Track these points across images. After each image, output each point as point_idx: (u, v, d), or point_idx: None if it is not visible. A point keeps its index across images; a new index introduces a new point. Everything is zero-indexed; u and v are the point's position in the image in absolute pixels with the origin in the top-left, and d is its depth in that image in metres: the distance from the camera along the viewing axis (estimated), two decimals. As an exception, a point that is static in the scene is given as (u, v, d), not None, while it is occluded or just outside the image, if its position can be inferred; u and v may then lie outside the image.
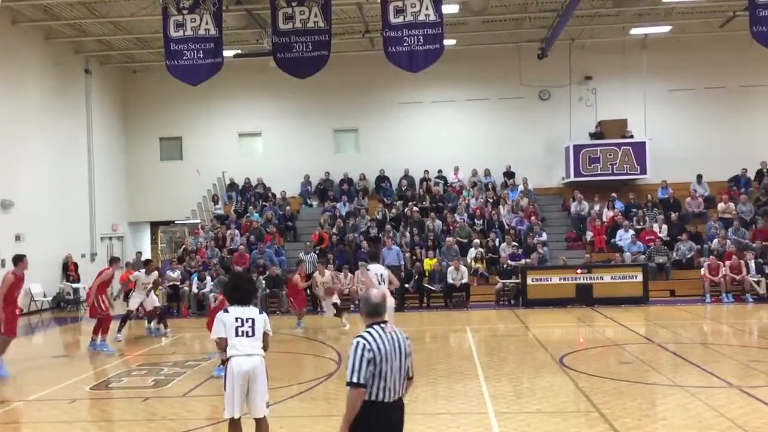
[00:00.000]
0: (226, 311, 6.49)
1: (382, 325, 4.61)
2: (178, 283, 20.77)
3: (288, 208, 25.58)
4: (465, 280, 20.11)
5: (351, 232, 23.10)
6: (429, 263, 21.08)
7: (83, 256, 24.66)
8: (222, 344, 6.47)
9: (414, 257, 21.76)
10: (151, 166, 28.44)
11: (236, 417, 6.38)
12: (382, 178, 26.71)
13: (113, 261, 15.43)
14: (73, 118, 24.84)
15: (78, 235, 24.69)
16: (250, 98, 27.88)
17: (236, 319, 6.40)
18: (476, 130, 27.14)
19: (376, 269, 13.05)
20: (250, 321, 6.43)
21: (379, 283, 12.49)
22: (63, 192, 23.78)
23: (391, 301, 11.92)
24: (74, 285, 22.83)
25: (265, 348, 6.51)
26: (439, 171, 26.67)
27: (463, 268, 20.29)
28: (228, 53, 20.74)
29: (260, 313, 6.58)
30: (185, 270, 21.27)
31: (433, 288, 20.29)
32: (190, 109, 27.66)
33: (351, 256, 21.69)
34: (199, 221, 25.85)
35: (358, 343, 4.47)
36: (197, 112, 27.84)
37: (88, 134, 25.62)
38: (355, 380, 4.38)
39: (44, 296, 22.12)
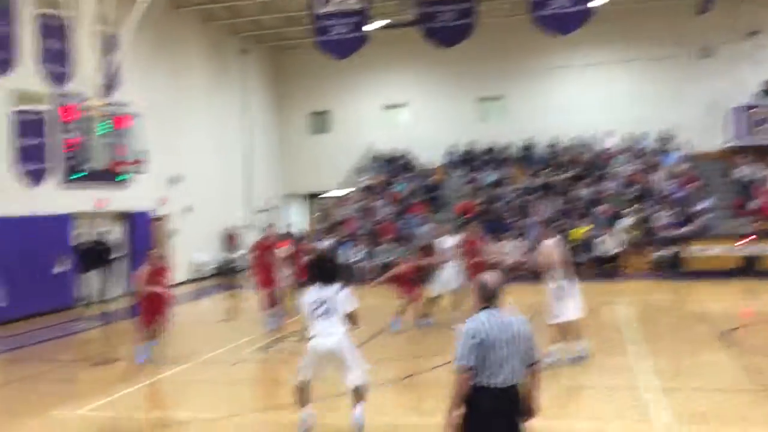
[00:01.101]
0: (308, 292, 6.90)
1: (496, 309, 4.50)
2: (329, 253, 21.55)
3: (432, 178, 25.69)
4: (617, 250, 19.36)
5: (496, 202, 22.86)
6: (578, 233, 20.48)
7: (241, 227, 26.15)
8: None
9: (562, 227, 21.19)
10: (302, 140, 29.55)
11: (305, 383, 6.88)
12: (528, 146, 26.14)
13: (284, 237, 15.92)
14: (232, 97, 26.25)
15: (237, 207, 26.22)
16: (396, 70, 28.12)
17: (313, 302, 6.77)
18: (629, 93, 25.82)
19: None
20: (326, 302, 6.73)
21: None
22: (224, 167, 25.29)
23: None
24: (234, 255, 24.27)
25: (354, 323, 6.85)
26: (589, 137, 25.70)
27: (615, 238, 19.52)
28: (372, 25, 20.94)
29: (340, 291, 6.80)
30: (335, 240, 22.02)
31: (582, 259, 19.69)
32: (338, 83, 28.34)
33: (496, 227, 21.48)
34: (348, 192, 26.57)
35: (466, 326, 4.43)
36: (344, 85, 28.48)
37: (244, 112, 27.01)
38: (462, 364, 4.34)
39: (208, 265, 23.74)
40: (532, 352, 4.50)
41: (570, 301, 9.37)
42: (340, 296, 6.81)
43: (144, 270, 10.52)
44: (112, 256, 18.72)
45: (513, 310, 4.61)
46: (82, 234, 18.24)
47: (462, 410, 4.37)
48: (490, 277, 4.66)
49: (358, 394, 6.88)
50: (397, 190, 24.91)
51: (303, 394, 6.96)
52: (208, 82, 24.76)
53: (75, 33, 14.70)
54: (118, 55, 15.79)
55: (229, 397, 8.91)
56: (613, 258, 19.36)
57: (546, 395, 8.01)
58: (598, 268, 19.47)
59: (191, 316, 16.00)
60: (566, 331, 9.42)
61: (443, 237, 13.85)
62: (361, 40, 16.60)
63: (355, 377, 6.83)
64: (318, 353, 6.78)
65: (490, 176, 25.00)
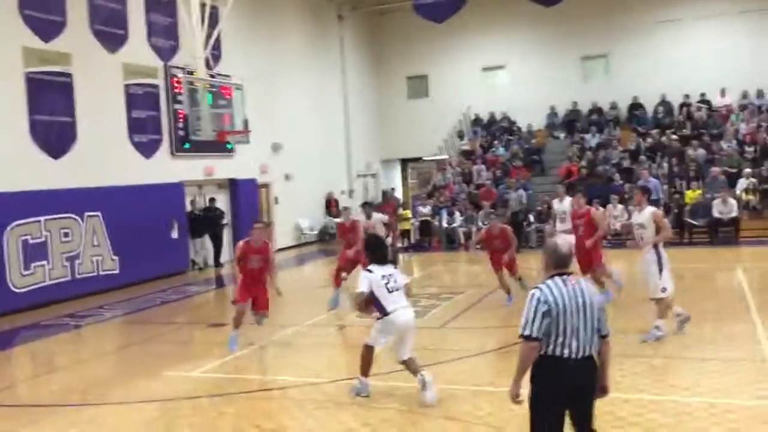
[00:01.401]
0: (370, 271, 7.03)
1: (565, 277, 4.27)
2: (429, 218, 21.52)
3: (534, 141, 25.06)
4: (734, 214, 18.32)
5: (602, 165, 22.07)
6: (691, 196, 19.51)
7: (342, 192, 26.48)
8: (360, 299, 7.02)
9: (673, 190, 20.25)
10: (399, 105, 29.45)
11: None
12: (635, 106, 25.02)
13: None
14: (329, 64, 26.41)
15: (337, 173, 26.54)
16: (495, 31, 27.42)
17: (382, 277, 6.99)
18: (745, 46, 24.13)
19: None
20: (393, 276, 7.07)
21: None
22: (323, 133, 25.58)
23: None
24: (336, 220, 24.62)
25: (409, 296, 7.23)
26: (702, 94, 24.28)
27: (732, 201, 18.47)
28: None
29: (395, 268, 7.29)
30: (435, 205, 21.94)
31: (696, 223, 18.79)
32: (435, 46, 27.95)
33: (602, 191, 20.75)
34: (446, 157, 26.36)
35: (533, 294, 4.21)
36: (441, 49, 28.05)
37: (342, 76, 27.15)
38: (527, 333, 4.14)
39: (311, 230, 24.23)
40: (602, 323, 4.29)
41: (668, 273, 8.86)
42: (398, 271, 7.26)
43: (241, 246, 9.63)
44: (222, 222, 19.40)
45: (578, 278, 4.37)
46: (194, 201, 18.98)
47: (528, 380, 4.25)
48: (561, 241, 4.45)
49: (415, 365, 7.09)
50: (496, 154, 24.47)
51: (370, 362, 7.22)
52: (306, 49, 24.97)
53: (180, 7, 15.08)
54: (220, 26, 16.11)
55: (332, 361, 9.07)
56: (730, 223, 18.34)
57: (657, 370, 7.77)
58: (713, 234, 18.52)
59: (295, 282, 16.38)
60: (668, 305, 8.93)
61: (558, 199, 13.25)
62: (460, 2, 16.29)
63: (410, 350, 7.14)
64: (398, 326, 7.01)
65: (594, 138, 24.13)
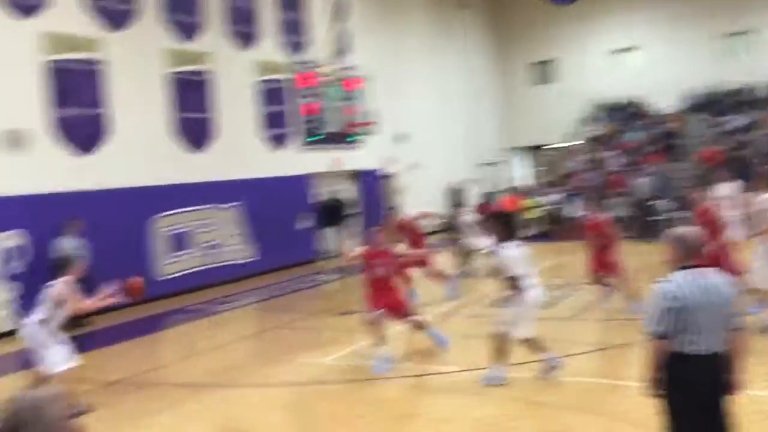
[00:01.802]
0: (508, 247, 6.92)
1: (695, 269, 3.94)
2: (557, 207, 21.02)
3: (669, 125, 23.84)
4: None
5: (745, 149, 20.68)
6: None
7: (467, 182, 26.32)
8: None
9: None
10: (524, 91, 28.89)
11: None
12: (782, 85, 23.23)
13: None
14: (453, 53, 26.29)
15: (460, 162, 26.42)
16: (623, 12, 26.30)
17: (520, 254, 6.96)
18: None
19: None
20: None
21: None
22: (447, 122, 25.53)
23: None
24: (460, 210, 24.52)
25: None
26: None
27: None
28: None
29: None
30: (563, 194, 21.39)
31: None
32: (561, 31, 27.17)
33: (745, 176, 19.44)
34: (574, 144, 25.59)
35: (660, 287, 3.92)
36: (568, 33, 27.23)
37: (466, 66, 26.95)
38: (652, 329, 3.89)
39: (435, 220, 24.25)
40: (734, 317, 3.96)
41: None
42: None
43: (362, 250, 8.84)
44: (347, 212, 19.83)
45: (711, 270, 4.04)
46: (321, 193, 19.51)
47: (660, 378, 4.00)
48: (690, 231, 4.12)
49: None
50: (628, 140, 23.49)
51: (505, 350, 7.10)
52: (430, 39, 24.97)
53: (309, 3, 15.51)
54: (348, 21, 16.45)
55: (466, 351, 9.06)
56: None
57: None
58: None
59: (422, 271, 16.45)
60: None
61: (718, 185, 12.28)
62: (589, -18, 15.69)
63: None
64: (537, 306, 7.01)
65: (737, 120, 22.63)
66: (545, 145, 28.12)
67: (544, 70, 28.74)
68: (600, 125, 25.77)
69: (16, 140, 12.22)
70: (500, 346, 7.11)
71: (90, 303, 7.63)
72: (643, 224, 18.31)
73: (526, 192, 23.15)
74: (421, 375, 8.05)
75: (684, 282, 3.92)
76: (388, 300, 8.32)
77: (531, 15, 27.22)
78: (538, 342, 7.08)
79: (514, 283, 6.91)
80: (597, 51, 27.17)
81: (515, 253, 6.93)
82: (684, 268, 4.00)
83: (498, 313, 7.28)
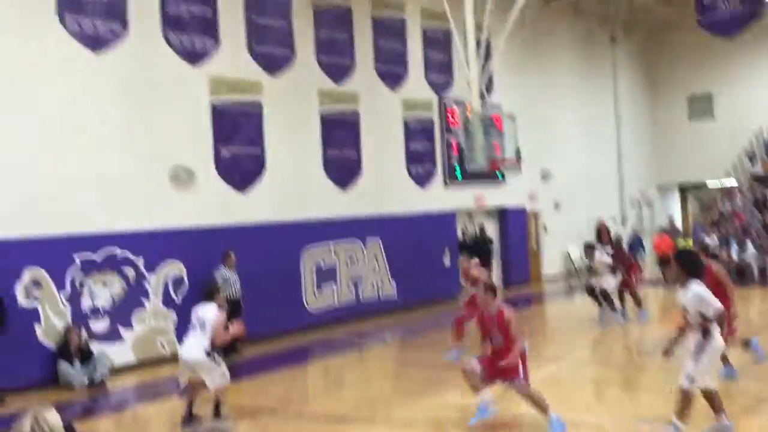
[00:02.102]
0: (701, 284, 6.40)
1: None
2: (714, 250, 19.73)
3: None
4: None
5: None
6: None
7: (614, 220, 25.36)
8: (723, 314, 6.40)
9: None
10: (678, 127, 27.56)
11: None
12: None
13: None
14: (600, 87, 25.61)
15: (608, 199, 25.52)
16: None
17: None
18: None
19: None
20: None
21: None
22: (593, 159, 24.80)
23: None
24: (607, 248, 23.59)
25: None
26: None
27: None
28: (766, -5, 18.59)
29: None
30: (721, 235, 20.08)
31: None
32: (720, 63, 25.76)
33: None
34: (734, 182, 24.02)
35: None
36: (728, 65, 25.77)
37: (614, 101, 26.14)
38: None
39: (581, 259, 23.50)
40: None
41: None
42: None
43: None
44: (491, 249, 19.67)
45: None
46: (466, 229, 19.51)
47: None
48: None
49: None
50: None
51: (718, 400, 6.51)
52: (577, 75, 24.49)
53: (455, 42, 15.72)
54: (494, 59, 16.49)
55: (606, 398, 8.63)
56: None
57: None
58: None
59: (563, 312, 15.98)
60: None
61: None
62: (754, 15, 14.85)
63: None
64: (719, 349, 6.46)
65: None
66: (698, 184, 26.58)
67: (701, 105, 27.31)
68: (765, 162, 24.03)
69: (185, 176, 13.16)
70: (686, 399, 6.50)
71: (231, 331, 8.18)
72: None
73: (680, 233, 21.94)
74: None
75: None
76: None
77: (686, 48, 26.05)
78: (718, 398, 6.53)
79: (706, 324, 6.37)
80: (759, 85, 25.49)
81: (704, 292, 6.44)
82: None
83: (686, 363, 6.57)
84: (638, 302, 13.86)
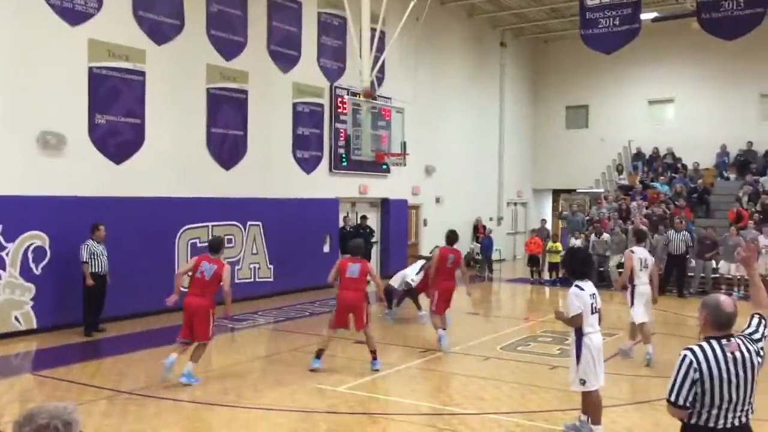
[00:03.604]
0: (581, 288, 6.71)
1: (724, 341, 3.73)
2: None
3: (700, 181, 23.64)
4: None
5: (777, 211, 20.39)
6: None
7: (491, 219, 26.26)
8: (578, 321, 6.67)
9: None
10: (556, 135, 28.88)
11: (597, 387, 6.83)
12: (819, 150, 22.96)
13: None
14: (488, 89, 26.41)
15: (487, 199, 26.38)
16: (663, 63, 26.22)
17: (591, 296, 6.72)
18: None
19: (641, 253, 10.74)
20: (596, 296, 6.81)
21: (640, 270, 10.52)
22: (476, 158, 25.56)
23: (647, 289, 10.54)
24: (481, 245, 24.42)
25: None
26: None
27: None
28: (644, 17, 19.75)
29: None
30: (585, 240, 21.19)
31: None
32: (598, 76, 27.20)
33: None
34: (602, 191, 25.47)
35: (685, 356, 3.73)
36: (605, 79, 27.25)
37: (500, 103, 27.04)
38: (673, 399, 3.73)
39: (457, 255, 24.17)
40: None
41: None
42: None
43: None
44: (372, 240, 19.82)
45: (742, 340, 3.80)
46: (346, 218, 19.54)
47: None
48: (724, 298, 3.85)
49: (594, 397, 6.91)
50: (659, 191, 23.31)
51: (599, 405, 6.89)
52: (466, 75, 25.11)
53: (350, 31, 15.69)
54: (386, 51, 16.58)
55: (476, 393, 8.94)
56: None
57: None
58: None
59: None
60: None
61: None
62: (633, 32, 15.73)
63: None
64: (597, 348, 6.76)
65: (769, 182, 22.38)
66: (571, 190, 28.00)
67: (578, 115, 28.75)
68: (631, 174, 25.62)
69: (55, 142, 12.40)
70: (593, 402, 6.92)
71: None
72: (680, 275, 18.25)
73: (551, 235, 23.00)
74: (427, 414, 7.95)
75: (711, 354, 3.72)
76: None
77: (569, 58, 27.31)
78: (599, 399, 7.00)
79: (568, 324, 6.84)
80: (634, 100, 27.15)
81: (587, 295, 6.78)
82: (714, 338, 3.79)
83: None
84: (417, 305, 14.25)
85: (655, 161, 25.62)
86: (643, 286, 10.47)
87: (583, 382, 6.75)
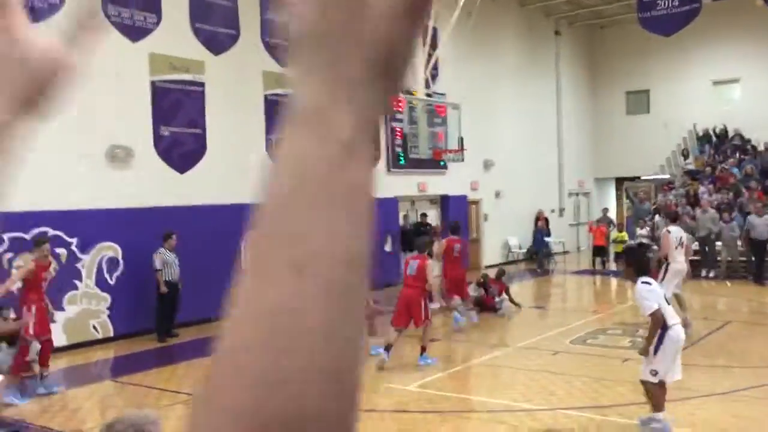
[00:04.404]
0: (648, 283, 6.59)
1: None
2: (647, 241, 20.32)
3: (771, 161, 22.78)
4: None
5: None
6: None
7: (552, 211, 25.88)
8: (660, 316, 6.46)
9: None
10: (616, 121, 28.26)
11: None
12: None
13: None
14: (544, 79, 26.02)
15: (548, 190, 26.01)
16: (727, 42, 25.36)
17: (661, 290, 6.70)
18: None
19: (676, 232, 11.09)
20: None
21: (675, 248, 10.74)
22: (535, 150, 25.22)
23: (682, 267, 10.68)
24: (546, 239, 24.09)
25: None
26: None
27: None
28: (704, -4, 19.17)
29: None
30: (650, 230, 20.68)
31: None
32: (658, 60, 26.46)
33: None
34: (667, 176, 24.80)
35: None
36: (666, 62, 26.50)
37: (557, 93, 26.62)
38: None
39: (519, 248, 23.95)
40: None
41: None
42: None
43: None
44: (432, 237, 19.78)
45: None
46: (407, 216, 19.59)
47: None
48: None
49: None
50: (730, 172, 22.53)
51: (663, 394, 6.71)
52: (521, 67, 24.80)
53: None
54: (440, 47, 16.53)
55: (547, 388, 8.84)
56: None
57: None
58: None
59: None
60: None
61: None
62: (691, 13, 15.30)
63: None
64: (681, 341, 6.63)
65: None
66: (635, 177, 27.35)
67: (639, 100, 28.05)
68: (697, 158, 24.86)
69: (123, 155, 12.82)
70: (657, 393, 6.79)
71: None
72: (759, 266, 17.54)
73: (616, 224, 22.54)
74: (497, 411, 7.90)
75: None
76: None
77: (627, 43, 26.67)
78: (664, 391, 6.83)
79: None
80: (697, 81, 26.33)
81: (658, 289, 6.78)
82: None
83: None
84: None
85: (723, 143, 24.80)
86: (678, 264, 10.74)
87: (655, 374, 6.59)
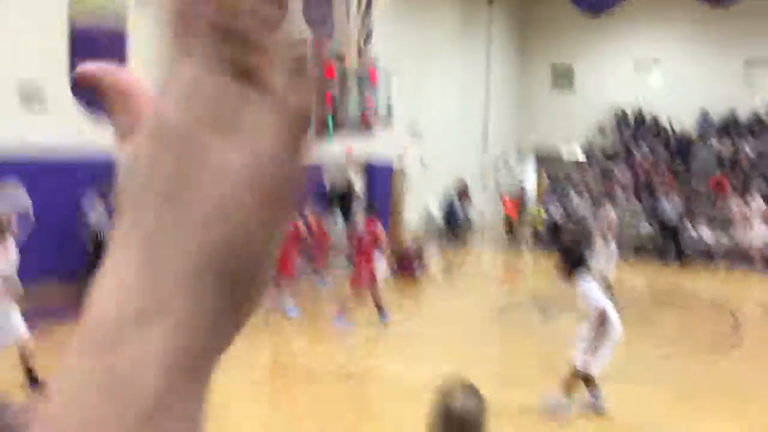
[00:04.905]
0: (588, 281, 6.75)
1: None
2: (561, 219, 20.94)
3: (684, 145, 23.72)
4: None
5: (760, 177, 20.60)
6: None
7: (474, 183, 26.19)
8: (607, 313, 6.64)
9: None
10: (541, 96, 28.71)
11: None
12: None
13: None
14: (475, 50, 26.08)
15: (472, 162, 26.29)
16: (649, 24, 26.05)
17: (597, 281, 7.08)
18: None
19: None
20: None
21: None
22: (462, 119, 25.37)
23: None
24: (466, 210, 24.40)
25: None
26: None
27: None
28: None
29: None
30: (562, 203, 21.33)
31: None
32: (584, 36, 26.92)
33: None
34: (585, 156, 25.50)
35: None
36: (591, 39, 27.00)
37: (487, 63, 26.74)
38: None
39: (441, 218, 24.20)
40: None
41: None
42: None
43: None
44: (355, 203, 19.74)
45: None
46: (332, 181, 19.40)
47: None
48: None
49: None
50: (641, 156, 23.38)
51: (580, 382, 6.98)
52: (453, 35, 24.76)
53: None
54: (373, 10, 16.24)
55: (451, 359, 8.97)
56: None
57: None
58: None
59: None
60: None
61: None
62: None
63: None
64: (617, 339, 6.77)
65: (754, 146, 22.53)
66: (558, 153, 28.01)
67: (563, 75, 28.54)
68: (614, 137, 25.63)
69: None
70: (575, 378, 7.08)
71: None
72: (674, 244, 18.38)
73: (530, 198, 23.07)
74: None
75: None
76: None
77: (556, 17, 26.97)
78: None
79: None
80: (619, 61, 26.98)
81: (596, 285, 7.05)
82: None
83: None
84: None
85: (639, 125, 25.64)
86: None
87: (589, 365, 6.81)
